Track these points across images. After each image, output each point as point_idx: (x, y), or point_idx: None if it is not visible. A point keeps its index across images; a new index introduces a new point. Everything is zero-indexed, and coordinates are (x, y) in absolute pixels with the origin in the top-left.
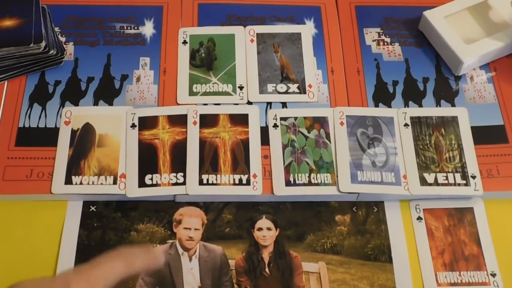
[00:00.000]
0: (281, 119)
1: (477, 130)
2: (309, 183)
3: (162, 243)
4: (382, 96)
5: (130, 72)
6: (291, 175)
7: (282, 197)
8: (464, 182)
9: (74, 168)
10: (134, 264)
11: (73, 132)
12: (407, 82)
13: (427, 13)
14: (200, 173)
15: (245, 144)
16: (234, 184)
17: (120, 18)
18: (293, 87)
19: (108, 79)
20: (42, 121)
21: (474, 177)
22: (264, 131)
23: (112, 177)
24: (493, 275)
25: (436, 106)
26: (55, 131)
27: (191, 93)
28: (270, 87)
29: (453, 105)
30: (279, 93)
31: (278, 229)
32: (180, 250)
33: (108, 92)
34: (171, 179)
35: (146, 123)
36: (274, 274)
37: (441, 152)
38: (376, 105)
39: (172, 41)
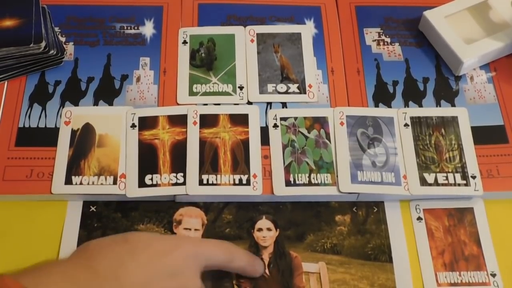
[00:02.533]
0: (281, 119)
1: (477, 130)
2: (309, 183)
3: None
4: (382, 96)
5: (130, 72)
6: (291, 175)
7: (282, 197)
8: (464, 182)
9: (74, 168)
10: (233, 261)
11: (73, 132)
12: (407, 82)
13: (427, 13)
14: (200, 173)
15: (245, 144)
16: (234, 184)
17: (120, 18)
18: (293, 87)
19: (108, 79)
20: (42, 121)
21: (474, 177)
22: (264, 131)
23: (112, 177)
24: (493, 275)
25: (436, 106)
26: (55, 131)
27: (191, 93)
28: (270, 87)
29: (453, 105)
30: (279, 93)
31: (278, 230)
32: None
33: (108, 92)
34: (171, 179)
35: (146, 123)
36: (274, 275)
37: (441, 152)
38: (376, 105)
39: (172, 41)
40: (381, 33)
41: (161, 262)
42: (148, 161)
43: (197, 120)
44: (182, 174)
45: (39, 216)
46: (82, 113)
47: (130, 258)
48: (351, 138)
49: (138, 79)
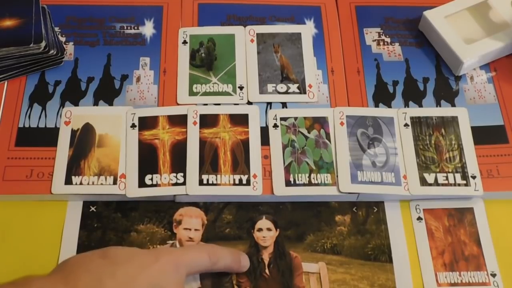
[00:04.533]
0: (281, 119)
1: (477, 130)
2: (309, 183)
3: (162, 243)
4: (382, 96)
5: (130, 72)
6: (291, 175)
7: (282, 197)
8: (464, 182)
9: (74, 168)
10: (218, 263)
11: (73, 132)
12: (407, 82)
13: (427, 13)
14: (200, 173)
15: (245, 144)
16: (234, 184)
17: (120, 18)
18: (293, 87)
19: (108, 79)
20: (42, 121)
21: (474, 177)
22: (264, 131)
23: (112, 177)
24: (493, 275)
25: (436, 106)
26: (55, 131)
27: (191, 93)
28: (270, 87)
29: (453, 105)
30: (279, 93)
31: (278, 230)
32: None
33: (108, 92)
34: (171, 179)
35: (146, 123)
36: (274, 275)
37: (441, 152)
38: (376, 105)
39: (172, 41)
40: (381, 33)
41: (140, 277)
42: (148, 161)
43: (197, 120)
44: (182, 174)
45: (39, 216)
46: (82, 113)
47: (108, 275)
48: (351, 138)
49: (138, 79)
